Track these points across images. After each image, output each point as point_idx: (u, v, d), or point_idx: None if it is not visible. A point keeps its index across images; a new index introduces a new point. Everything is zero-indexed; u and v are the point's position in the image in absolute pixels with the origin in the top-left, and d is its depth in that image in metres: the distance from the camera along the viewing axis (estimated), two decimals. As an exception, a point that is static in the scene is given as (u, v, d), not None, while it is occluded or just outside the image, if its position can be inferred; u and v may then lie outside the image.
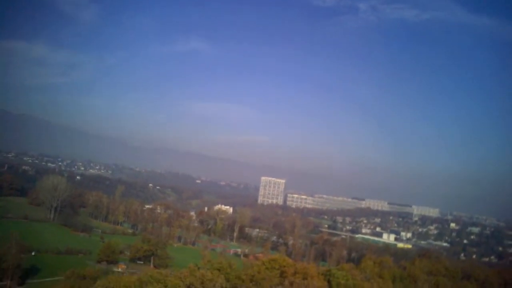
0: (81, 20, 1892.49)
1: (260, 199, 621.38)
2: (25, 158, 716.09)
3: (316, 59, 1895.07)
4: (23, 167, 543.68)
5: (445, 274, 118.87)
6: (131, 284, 53.43)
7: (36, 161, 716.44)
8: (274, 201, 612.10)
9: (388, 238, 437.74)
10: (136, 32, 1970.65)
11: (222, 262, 75.97)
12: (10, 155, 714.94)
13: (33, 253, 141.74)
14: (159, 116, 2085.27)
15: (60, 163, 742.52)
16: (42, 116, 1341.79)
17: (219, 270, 72.25)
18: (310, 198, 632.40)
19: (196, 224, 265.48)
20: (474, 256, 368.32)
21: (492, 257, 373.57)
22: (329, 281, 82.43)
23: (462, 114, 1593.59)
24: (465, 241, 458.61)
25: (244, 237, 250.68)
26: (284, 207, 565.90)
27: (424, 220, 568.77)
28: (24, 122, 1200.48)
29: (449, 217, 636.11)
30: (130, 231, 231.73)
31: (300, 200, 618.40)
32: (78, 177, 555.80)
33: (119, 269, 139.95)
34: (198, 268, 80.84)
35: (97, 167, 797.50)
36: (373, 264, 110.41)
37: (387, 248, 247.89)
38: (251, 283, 69.22)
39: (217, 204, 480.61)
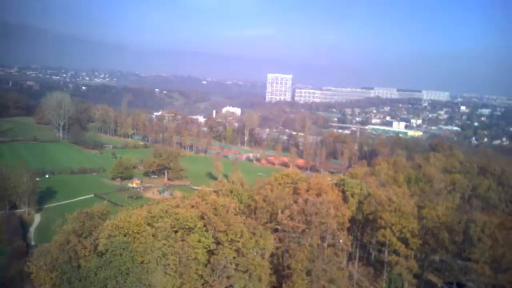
0: None
1: (267, 97, 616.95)
2: (28, 73, 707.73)
3: None
4: (27, 82, 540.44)
5: (461, 170, 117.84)
6: (141, 221, 51.70)
7: (40, 75, 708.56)
8: (282, 97, 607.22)
9: (398, 126, 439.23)
10: None
11: (234, 182, 74.36)
12: (13, 71, 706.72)
13: (47, 176, 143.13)
14: (161, 15, 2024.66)
15: (64, 75, 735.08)
16: (40, 25, 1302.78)
17: (231, 191, 70.76)
18: (318, 91, 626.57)
19: (205, 129, 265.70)
20: (485, 140, 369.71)
21: (504, 139, 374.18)
22: (343, 191, 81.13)
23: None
24: (475, 124, 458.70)
25: (254, 140, 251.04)
26: (293, 104, 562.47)
27: (434, 105, 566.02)
28: (22, 32, 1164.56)
29: (459, 100, 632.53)
30: (141, 143, 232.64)
31: (308, 94, 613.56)
32: (83, 88, 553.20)
33: (134, 185, 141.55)
34: (215, 189, 79.30)
35: (102, 76, 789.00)
36: (387, 166, 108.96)
37: (398, 139, 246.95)
38: (264, 203, 67.95)
39: (225, 105, 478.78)
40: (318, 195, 68.42)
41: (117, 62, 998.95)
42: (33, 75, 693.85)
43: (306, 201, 64.60)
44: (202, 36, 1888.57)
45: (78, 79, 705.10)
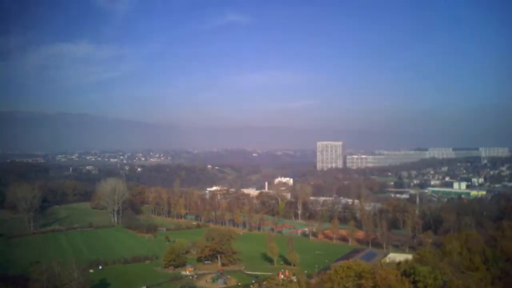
0: (117, 13, 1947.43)
1: (318, 165, 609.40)
2: (88, 158, 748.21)
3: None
4: (87, 167, 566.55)
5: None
6: None
7: (99, 159, 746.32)
8: (333, 165, 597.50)
9: (459, 187, 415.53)
10: (173, 14, 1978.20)
11: (289, 278, 67.88)
12: (74, 157, 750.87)
13: (100, 267, 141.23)
14: (210, 95, 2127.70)
15: (121, 157, 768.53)
16: (99, 113, 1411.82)
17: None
18: (370, 156, 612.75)
19: (257, 202, 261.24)
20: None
21: None
22: (414, 282, 72.06)
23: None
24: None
25: (309, 212, 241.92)
26: (345, 170, 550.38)
27: (494, 162, 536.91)
28: (84, 122, 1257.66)
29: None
30: (194, 223, 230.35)
31: (360, 160, 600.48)
32: (139, 169, 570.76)
33: (187, 272, 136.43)
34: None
35: (157, 155, 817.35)
36: (459, 245, 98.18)
37: (462, 203, 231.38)
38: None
39: (276, 176, 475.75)
40: (386, 292, 60.35)
41: (171, 141, 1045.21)
42: (92, 159, 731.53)
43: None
44: (249, 111, 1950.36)
45: (134, 160, 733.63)
